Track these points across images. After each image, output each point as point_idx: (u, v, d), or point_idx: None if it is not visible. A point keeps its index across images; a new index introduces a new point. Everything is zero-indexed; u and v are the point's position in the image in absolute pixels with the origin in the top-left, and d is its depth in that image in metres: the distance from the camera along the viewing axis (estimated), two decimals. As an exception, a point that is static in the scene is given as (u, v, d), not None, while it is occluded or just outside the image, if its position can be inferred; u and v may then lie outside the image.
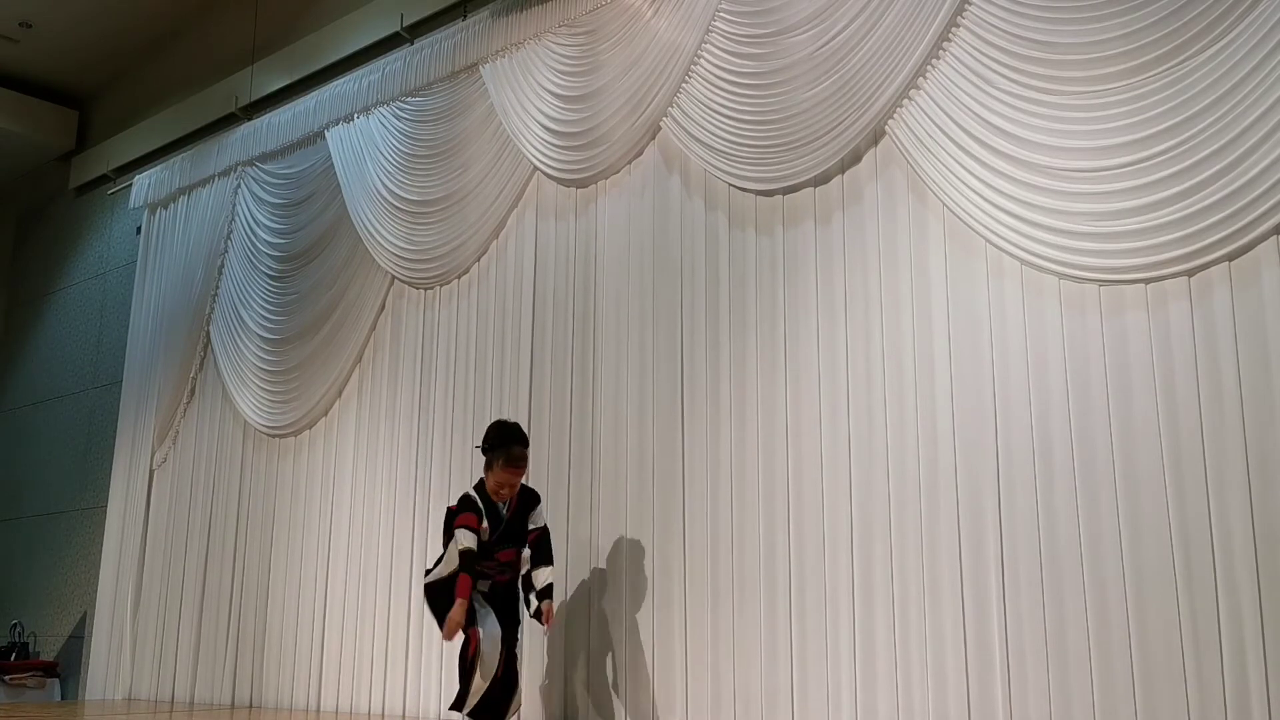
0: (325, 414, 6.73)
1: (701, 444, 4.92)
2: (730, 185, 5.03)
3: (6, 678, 7.82)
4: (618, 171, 5.52)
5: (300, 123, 7.21)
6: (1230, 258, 3.70)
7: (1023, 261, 4.12)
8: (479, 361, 5.93)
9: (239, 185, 7.55)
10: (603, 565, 5.16)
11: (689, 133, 5.17)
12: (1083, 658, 3.79)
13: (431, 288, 6.30)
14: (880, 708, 4.21)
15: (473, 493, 4.65)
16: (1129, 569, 3.74)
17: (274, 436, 6.96)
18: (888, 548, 4.30)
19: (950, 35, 4.41)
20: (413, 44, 6.71)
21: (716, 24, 5.13)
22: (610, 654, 5.04)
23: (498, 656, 4.45)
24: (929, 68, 4.46)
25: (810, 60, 4.77)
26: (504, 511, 4.65)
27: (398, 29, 6.82)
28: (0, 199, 10.28)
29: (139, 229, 8.36)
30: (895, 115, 4.54)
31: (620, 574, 5.07)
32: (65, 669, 8.13)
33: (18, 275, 9.93)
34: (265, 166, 7.43)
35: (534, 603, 4.58)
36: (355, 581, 6.22)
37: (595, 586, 5.16)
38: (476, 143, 6.15)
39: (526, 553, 4.68)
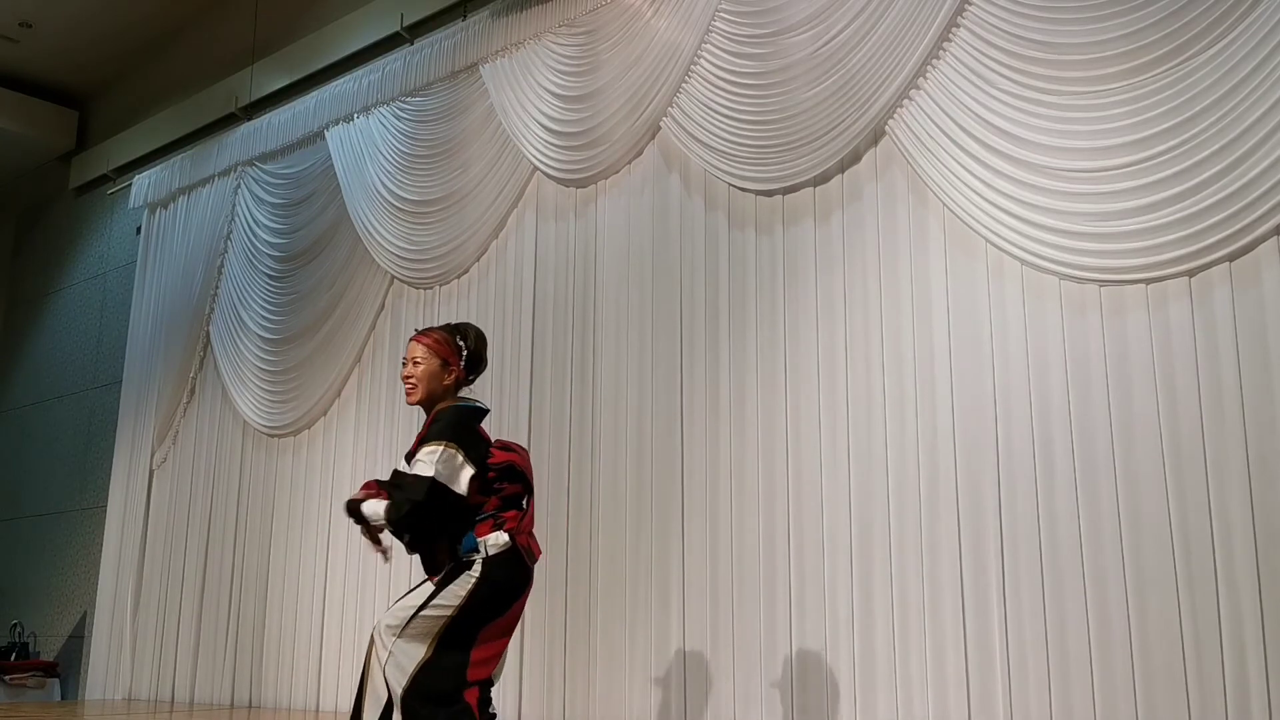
0: (325, 414, 6.72)
1: (701, 444, 4.92)
2: (730, 185, 5.03)
3: (6, 678, 7.81)
4: (618, 171, 5.52)
5: (300, 123, 7.21)
6: (1231, 258, 3.70)
7: (1023, 262, 4.12)
8: (479, 361, 5.92)
9: (239, 185, 7.55)
10: (602, 565, 5.15)
11: (689, 133, 5.17)
12: (1083, 657, 3.79)
13: (431, 288, 6.30)
14: (880, 708, 4.21)
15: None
16: (1129, 568, 3.74)
17: (273, 436, 6.96)
18: (888, 547, 4.30)
19: (950, 35, 4.41)
20: (413, 44, 6.71)
21: (716, 24, 5.12)
22: (610, 654, 5.03)
23: None
24: (929, 68, 4.46)
25: (810, 60, 4.77)
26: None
27: (398, 29, 6.82)
28: (0, 199, 10.28)
29: (139, 229, 8.36)
30: (895, 115, 4.53)
31: (620, 574, 5.06)
32: (65, 669, 8.12)
33: (18, 275, 9.93)
34: (265, 166, 7.43)
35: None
36: (355, 581, 6.21)
37: (595, 586, 5.15)
38: (476, 143, 6.14)
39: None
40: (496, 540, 3.30)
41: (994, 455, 4.11)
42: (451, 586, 3.25)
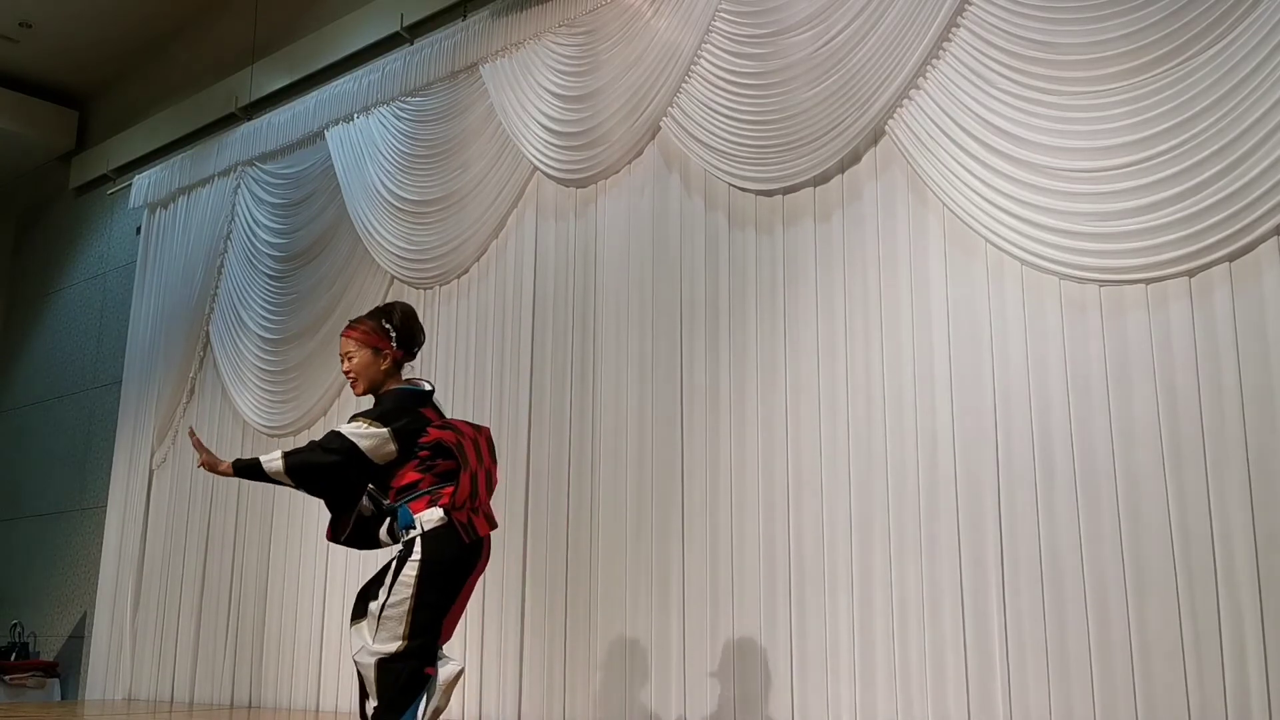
0: (324, 414, 6.72)
1: (701, 444, 4.92)
2: (730, 185, 5.03)
3: (6, 678, 7.81)
4: (618, 171, 5.51)
5: (300, 123, 7.21)
6: (1231, 258, 3.70)
7: (1023, 262, 4.12)
8: (478, 361, 5.93)
9: (239, 185, 7.55)
10: (602, 565, 5.15)
11: (689, 133, 5.17)
12: (1083, 657, 3.79)
13: (431, 288, 6.30)
14: (880, 708, 4.21)
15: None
16: (1129, 569, 3.74)
17: (273, 436, 6.95)
18: (887, 548, 4.30)
19: (950, 35, 4.41)
20: (413, 44, 6.71)
21: (716, 24, 5.12)
22: (610, 654, 5.03)
23: None
24: (929, 68, 4.45)
25: (810, 60, 4.77)
26: None
27: (398, 29, 6.81)
28: (0, 199, 10.28)
29: (139, 229, 8.36)
30: (895, 115, 4.53)
31: (620, 574, 5.06)
32: (65, 669, 8.12)
33: (18, 275, 9.92)
34: (265, 166, 7.43)
35: None
36: (355, 581, 6.19)
37: (595, 587, 5.15)
38: (476, 143, 6.14)
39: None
40: (431, 516, 3.38)
41: (994, 455, 4.10)
42: (401, 577, 3.33)
